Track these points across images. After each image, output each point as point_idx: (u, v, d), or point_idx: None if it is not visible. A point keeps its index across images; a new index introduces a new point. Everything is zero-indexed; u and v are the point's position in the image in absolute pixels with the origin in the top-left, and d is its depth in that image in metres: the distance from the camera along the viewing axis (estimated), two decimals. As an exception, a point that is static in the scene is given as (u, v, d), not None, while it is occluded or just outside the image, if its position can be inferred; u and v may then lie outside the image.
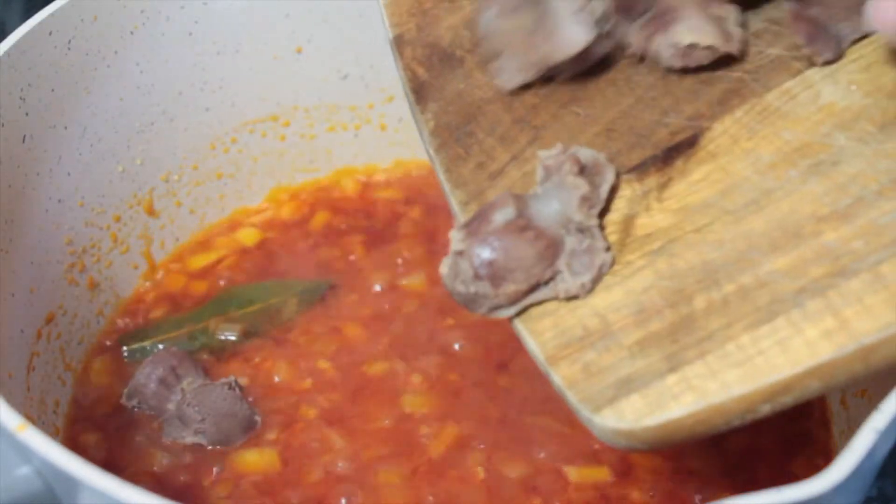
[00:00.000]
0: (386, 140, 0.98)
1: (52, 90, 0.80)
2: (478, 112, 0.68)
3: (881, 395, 0.56)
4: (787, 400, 0.54)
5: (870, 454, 0.53)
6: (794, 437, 0.76)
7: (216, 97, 0.92)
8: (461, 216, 0.65)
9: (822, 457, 0.74)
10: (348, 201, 0.96)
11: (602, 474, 0.73)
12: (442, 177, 0.67)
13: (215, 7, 0.89)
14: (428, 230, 0.92)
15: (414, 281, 0.88)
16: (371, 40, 0.93)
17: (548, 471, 0.73)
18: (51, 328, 0.80)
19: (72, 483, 0.56)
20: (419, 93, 0.71)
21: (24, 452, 0.59)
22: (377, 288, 0.88)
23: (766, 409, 0.54)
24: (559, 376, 0.58)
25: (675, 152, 0.63)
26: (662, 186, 0.62)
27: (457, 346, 0.82)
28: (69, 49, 0.81)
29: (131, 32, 0.85)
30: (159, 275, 0.91)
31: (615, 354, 0.57)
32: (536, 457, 0.74)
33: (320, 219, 0.95)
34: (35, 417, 0.73)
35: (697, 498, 0.71)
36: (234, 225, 0.95)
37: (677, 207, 0.61)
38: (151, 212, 0.90)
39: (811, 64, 0.63)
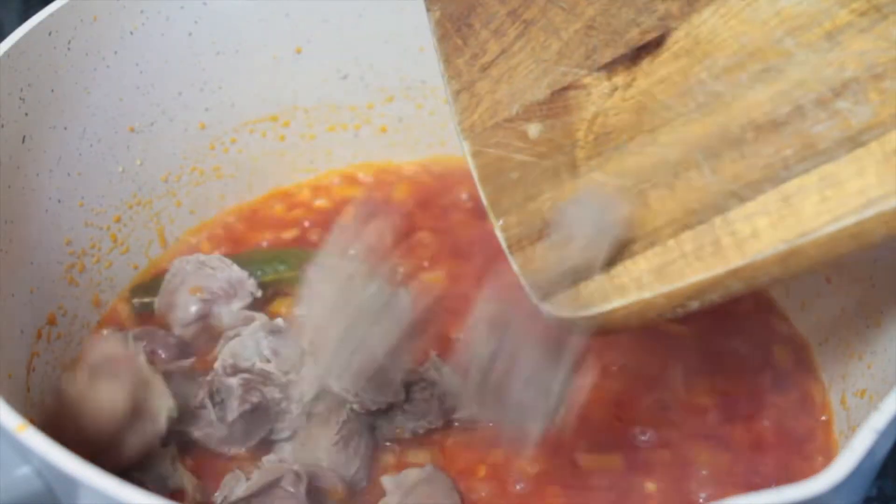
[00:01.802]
0: (386, 140, 0.98)
1: (52, 90, 0.80)
2: (477, 3, 0.72)
3: (881, 395, 0.56)
4: (714, 297, 0.59)
5: (870, 454, 0.53)
6: (794, 436, 0.76)
7: (216, 97, 0.92)
8: (454, 105, 0.70)
9: (822, 457, 0.74)
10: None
11: (613, 462, 0.74)
12: (441, 66, 0.72)
13: (215, 7, 0.89)
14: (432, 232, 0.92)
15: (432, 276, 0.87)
16: (371, 40, 0.93)
17: (561, 459, 0.74)
18: (51, 328, 0.79)
19: (72, 483, 0.56)
20: None
21: (24, 452, 0.58)
22: None
23: (694, 305, 0.59)
24: (516, 263, 0.64)
25: (643, 52, 0.65)
26: (627, 85, 0.65)
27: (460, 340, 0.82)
28: (69, 49, 0.81)
29: (131, 33, 0.85)
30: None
31: (565, 246, 0.61)
32: (550, 445, 0.74)
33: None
34: (35, 417, 0.73)
35: (702, 495, 0.72)
36: (255, 218, 0.94)
37: (637, 107, 0.64)
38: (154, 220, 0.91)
39: None
